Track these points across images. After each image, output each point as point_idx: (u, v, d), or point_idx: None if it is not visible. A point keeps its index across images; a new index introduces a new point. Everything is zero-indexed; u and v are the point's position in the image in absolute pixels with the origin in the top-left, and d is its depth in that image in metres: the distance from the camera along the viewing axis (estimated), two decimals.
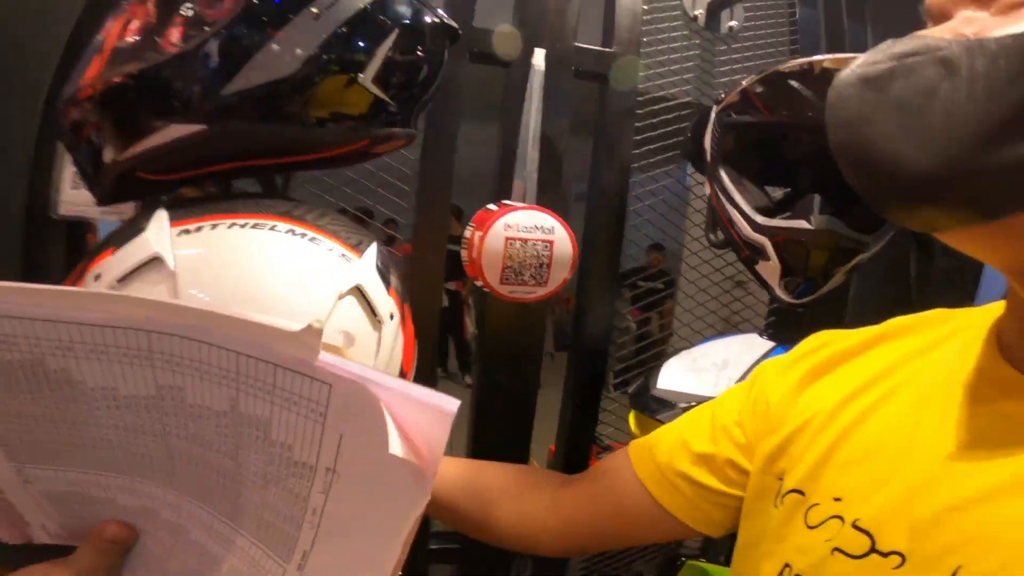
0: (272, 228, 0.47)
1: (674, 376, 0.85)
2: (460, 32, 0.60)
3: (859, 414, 0.43)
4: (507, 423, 0.99)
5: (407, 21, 0.54)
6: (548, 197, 0.86)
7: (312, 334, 0.28)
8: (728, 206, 0.79)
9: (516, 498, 0.62)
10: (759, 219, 0.74)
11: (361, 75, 0.51)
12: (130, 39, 0.49)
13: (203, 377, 0.33)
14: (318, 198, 0.86)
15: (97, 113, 0.49)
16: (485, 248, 0.77)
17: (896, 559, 0.35)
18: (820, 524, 0.40)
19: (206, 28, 0.48)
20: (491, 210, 0.81)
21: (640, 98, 1.00)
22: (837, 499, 0.40)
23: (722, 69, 1.09)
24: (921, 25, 0.33)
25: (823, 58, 0.66)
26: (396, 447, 0.28)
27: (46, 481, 0.40)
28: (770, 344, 0.85)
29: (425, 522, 1.04)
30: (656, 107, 1.02)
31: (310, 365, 0.29)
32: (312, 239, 0.47)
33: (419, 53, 0.55)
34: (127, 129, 0.48)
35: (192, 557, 0.40)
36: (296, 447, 0.32)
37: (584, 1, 0.94)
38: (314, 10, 0.50)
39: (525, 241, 0.78)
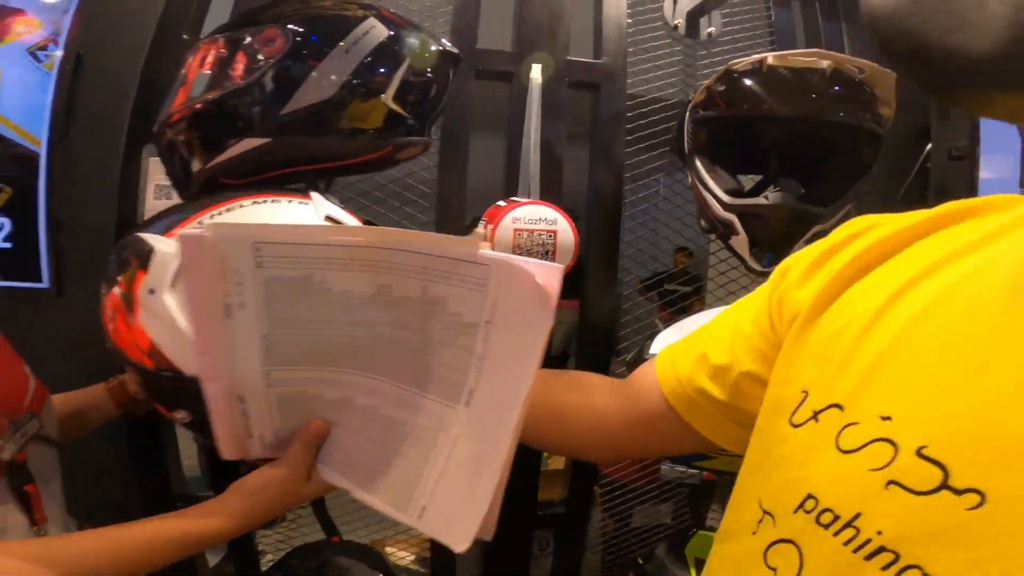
0: (241, 206, 0.59)
1: (665, 342, 0.96)
2: (461, 56, 0.74)
3: (913, 315, 0.35)
4: None
5: (417, 50, 0.68)
6: (549, 198, 0.98)
7: (478, 236, 0.46)
8: (704, 191, 0.90)
9: (562, 421, 0.62)
10: (726, 198, 0.86)
11: (383, 95, 0.65)
12: (207, 72, 0.64)
13: (405, 275, 0.50)
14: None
15: (186, 132, 0.64)
16: (496, 239, 0.90)
17: (973, 498, 0.28)
18: (860, 448, 0.33)
19: (264, 62, 0.63)
20: (500, 206, 0.94)
21: (630, 102, 1.11)
22: (886, 418, 0.33)
23: (705, 72, 1.18)
24: None
25: (768, 55, 0.78)
26: (537, 280, 0.43)
27: (283, 382, 0.54)
28: None
29: None
30: (645, 109, 1.13)
31: (476, 255, 0.46)
32: (273, 201, 0.61)
33: (428, 75, 0.69)
34: (210, 144, 0.63)
35: (380, 431, 0.55)
36: (465, 313, 0.48)
37: (573, 17, 1.06)
38: (344, 45, 0.64)
39: (531, 231, 0.91)
